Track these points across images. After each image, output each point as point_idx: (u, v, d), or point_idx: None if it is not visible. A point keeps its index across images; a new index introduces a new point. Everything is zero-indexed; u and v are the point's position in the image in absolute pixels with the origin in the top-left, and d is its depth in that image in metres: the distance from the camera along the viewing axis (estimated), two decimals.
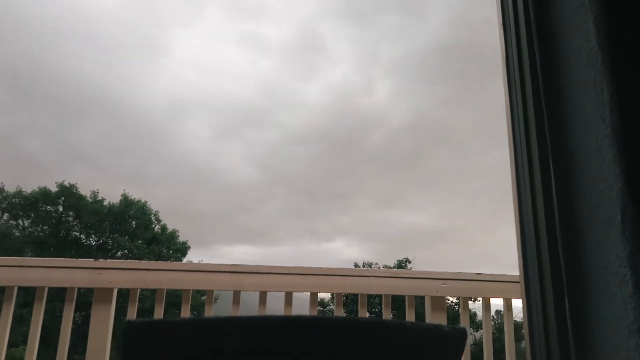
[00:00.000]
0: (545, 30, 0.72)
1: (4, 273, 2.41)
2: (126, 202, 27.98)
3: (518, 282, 2.40)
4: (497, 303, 2.87)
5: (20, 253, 23.87)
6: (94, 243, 27.61)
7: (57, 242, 26.25)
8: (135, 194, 28.89)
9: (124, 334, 0.82)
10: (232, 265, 2.61)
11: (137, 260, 2.96)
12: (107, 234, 27.66)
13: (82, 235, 27.72)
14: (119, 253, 26.78)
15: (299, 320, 0.91)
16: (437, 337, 0.91)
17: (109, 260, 2.66)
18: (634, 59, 0.57)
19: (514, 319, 2.75)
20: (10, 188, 26.64)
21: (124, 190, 28.90)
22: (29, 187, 27.00)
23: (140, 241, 27.48)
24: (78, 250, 26.35)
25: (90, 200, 27.48)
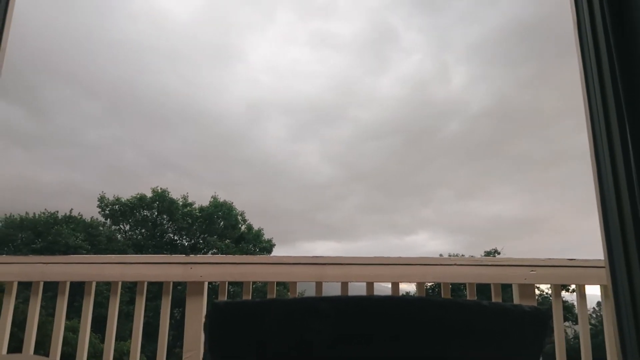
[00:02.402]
0: (622, 18, 0.68)
1: (108, 270, 2.65)
2: (215, 204, 29.50)
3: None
4: (596, 294, 2.68)
5: (123, 254, 26.09)
6: (186, 243, 29.41)
7: (154, 244, 28.29)
8: (221, 196, 30.38)
9: (209, 315, 0.88)
10: (313, 257, 2.67)
11: (224, 255, 3.13)
12: (198, 234, 29.33)
13: (175, 237, 29.64)
14: (210, 253, 28.31)
15: (375, 301, 0.93)
16: (517, 317, 0.88)
17: (199, 255, 2.83)
18: None
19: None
20: (109, 195, 29.13)
21: (214, 192, 30.46)
22: (126, 194, 29.37)
23: (228, 240, 28.84)
24: (173, 250, 28.26)
25: (181, 203, 29.28)
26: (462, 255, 27.22)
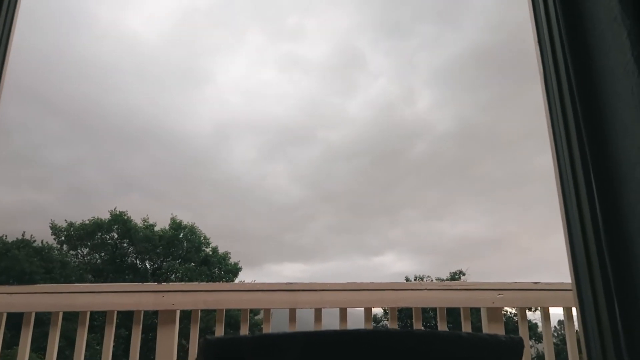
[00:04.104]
0: (581, 45, 0.75)
1: (78, 299, 2.58)
2: (175, 225, 28.88)
3: None
4: (558, 313, 2.79)
5: (80, 280, 25.08)
6: (149, 267, 28.60)
7: (114, 269, 27.37)
8: (187, 219, 29.79)
9: (201, 350, 0.89)
10: (287, 284, 2.69)
11: (198, 283, 3.07)
12: (161, 258, 28.59)
13: (137, 261, 28.78)
14: (173, 276, 27.57)
15: (354, 334, 0.96)
16: (493, 347, 0.93)
17: (171, 283, 2.80)
18: None
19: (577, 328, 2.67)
20: (69, 216, 28.11)
21: (172, 213, 29.85)
22: (86, 215, 28.41)
23: (192, 264, 28.22)
24: (134, 275, 27.38)
25: (141, 226, 28.54)
26: (428, 277, 27.54)
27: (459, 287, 2.69)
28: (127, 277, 26.85)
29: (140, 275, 27.51)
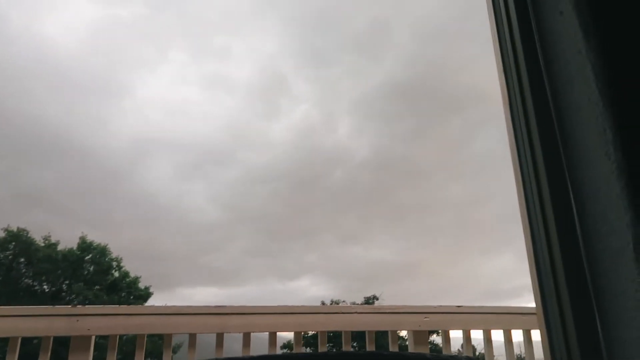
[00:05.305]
0: (547, 74, 0.80)
1: None
2: (83, 245, 26.87)
3: (497, 313, 2.46)
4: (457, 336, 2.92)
5: None
6: (47, 290, 26.21)
7: (8, 291, 24.76)
8: (97, 238, 27.82)
9: None
10: (215, 307, 2.58)
11: (117, 305, 2.84)
12: (62, 280, 26.34)
13: (34, 283, 26.30)
14: (75, 301, 25.45)
15: (322, 357, 0.94)
16: None
17: (87, 306, 2.57)
18: (634, 101, 0.66)
19: (479, 350, 2.80)
20: None
21: (82, 232, 27.76)
22: None
23: (97, 287, 26.28)
24: (30, 299, 24.91)
25: (42, 245, 26.23)
26: (343, 301, 27.82)
27: (387, 311, 2.74)
28: (21, 301, 24.34)
29: (37, 300, 25.09)
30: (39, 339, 2.37)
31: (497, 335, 2.83)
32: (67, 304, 24.61)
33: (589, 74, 0.69)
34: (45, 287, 26.41)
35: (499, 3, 0.97)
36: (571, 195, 0.73)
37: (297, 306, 2.65)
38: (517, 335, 2.78)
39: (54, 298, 25.47)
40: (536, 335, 2.78)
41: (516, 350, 2.91)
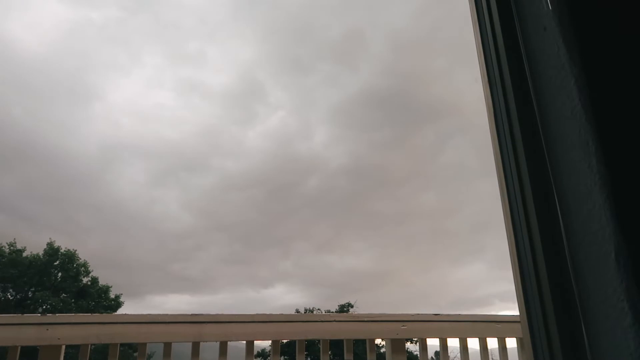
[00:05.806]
0: (531, 87, 0.82)
1: None
2: (50, 251, 26.08)
3: (473, 322, 2.49)
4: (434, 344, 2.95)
5: None
6: (11, 298, 25.31)
7: None
8: (64, 245, 27.05)
9: None
10: (191, 315, 2.53)
11: (89, 314, 2.74)
12: (27, 287, 25.48)
13: None
14: (40, 309, 24.62)
15: None
16: None
17: (58, 314, 2.49)
18: (616, 114, 0.68)
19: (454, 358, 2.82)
20: None
21: (50, 238, 26.95)
22: None
23: (65, 295, 25.53)
24: None
25: (6, 251, 25.35)
26: (318, 309, 27.72)
27: (366, 319, 2.74)
28: None
29: (0, 308, 24.19)
30: (6, 349, 2.29)
31: (473, 343, 2.86)
32: (33, 312, 23.83)
33: (572, 88, 0.71)
34: (9, 294, 25.50)
35: (484, 17, 0.99)
36: (557, 206, 0.74)
37: (276, 314, 2.63)
38: (492, 343, 2.82)
39: (18, 306, 24.61)
40: (511, 343, 2.83)
41: (491, 358, 2.95)
